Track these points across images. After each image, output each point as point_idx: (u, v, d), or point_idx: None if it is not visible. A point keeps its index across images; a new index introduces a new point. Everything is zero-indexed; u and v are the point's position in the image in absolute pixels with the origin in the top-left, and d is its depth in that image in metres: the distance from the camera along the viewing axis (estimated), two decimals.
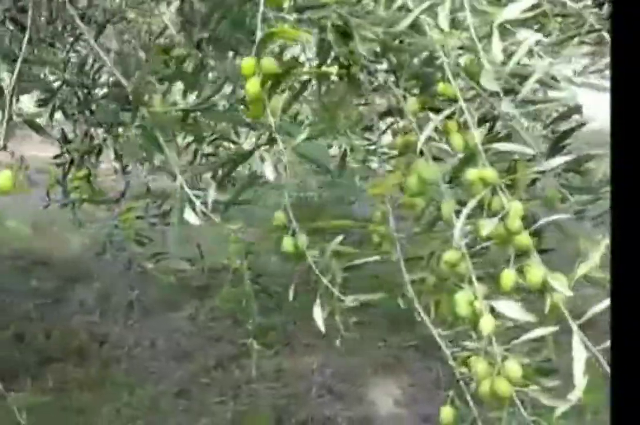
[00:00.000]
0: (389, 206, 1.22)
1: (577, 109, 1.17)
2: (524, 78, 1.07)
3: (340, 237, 1.17)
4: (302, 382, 4.20)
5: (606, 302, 0.99)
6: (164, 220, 3.16)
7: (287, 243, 1.25)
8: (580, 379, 0.97)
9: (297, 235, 1.24)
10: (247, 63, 1.02)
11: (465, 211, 1.02)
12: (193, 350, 4.52)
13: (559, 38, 1.14)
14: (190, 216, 1.06)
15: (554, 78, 1.11)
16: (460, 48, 1.05)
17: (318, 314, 1.14)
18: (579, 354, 0.98)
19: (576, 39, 1.13)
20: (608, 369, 0.99)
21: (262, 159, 1.02)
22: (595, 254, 1.00)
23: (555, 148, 1.15)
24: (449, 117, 1.09)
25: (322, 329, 1.12)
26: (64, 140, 1.97)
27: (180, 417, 3.90)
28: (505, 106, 1.04)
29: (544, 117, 1.18)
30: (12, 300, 4.89)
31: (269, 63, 1.01)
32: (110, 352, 4.49)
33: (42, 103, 1.66)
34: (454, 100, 1.06)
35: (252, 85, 1.02)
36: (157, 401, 3.99)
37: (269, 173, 1.04)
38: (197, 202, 1.04)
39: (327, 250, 1.17)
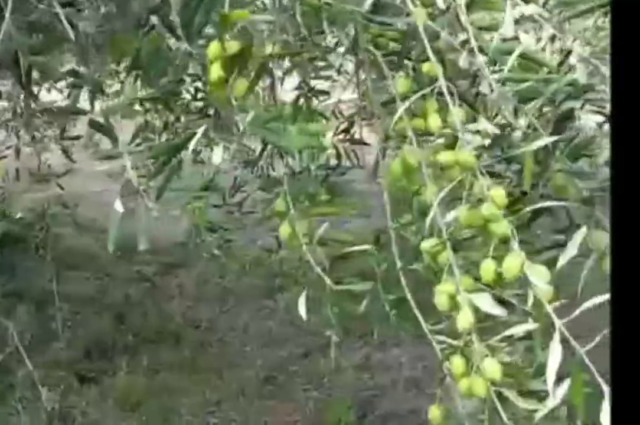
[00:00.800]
0: (386, 194, 1.16)
1: (589, 87, 1.07)
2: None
3: (326, 224, 1.12)
4: (388, 374, 4.15)
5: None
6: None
7: (284, 230, 1.22)
8: (552, 383, 0.88)
9: (295, 222, 1.21)
10: (211, 47, 1.00)
11: (439, 196, 0.95)
12: (284, 338, 4.55)
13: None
14: None
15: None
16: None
17: (302, 303, 1.10)
18: (555, 356, 0.89)
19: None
20: (595, 371, 0.91)
21: (212, 143, 0.99)
22: (573, 245, 0.91)
23: (560, 126, 1.06)
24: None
25: (304, 316, 1.09)
26: None
27: (264, 403, 3.95)
28: (485, 86, 0.96)
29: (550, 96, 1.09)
30: (115, 284, 5.09)
31: (233, 46, 0.98)
32: (204, 336, 4.60)
33: None
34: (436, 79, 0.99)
35: (215, 69, 0.99)
36: (244, 386, 4.05)
37: (217, 158, 1.01)
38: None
39: (315, 237, 1.13)
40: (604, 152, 1.01)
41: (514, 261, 0.93)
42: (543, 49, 1.10)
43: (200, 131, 0.95)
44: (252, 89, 0.97)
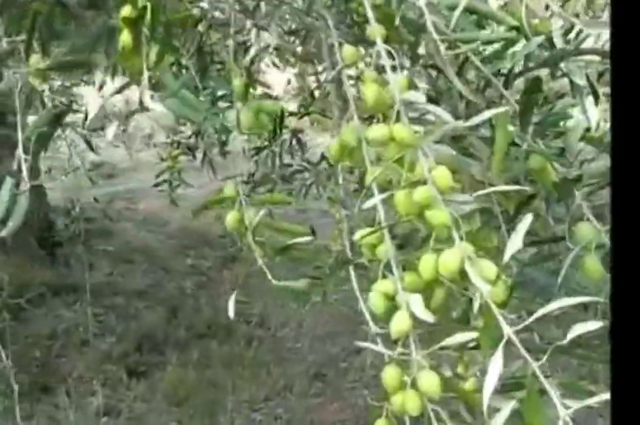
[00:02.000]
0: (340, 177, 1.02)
1: (565, 53, 0.91)
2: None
3: (263, 211, 1.00)
4: None
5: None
6: None
7: (233, 217, 1.10)
8: (487, 401, 0.73)
9: (245, 209, 1.09)
10: (124, 12, 0.88)
11: (370, 178, 0.81)
12: (338, 333, 4.43)
13: None
14: None
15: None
16: None
17: (232, 301, 0.98)
18: (494, 370, 0.74)
19: None
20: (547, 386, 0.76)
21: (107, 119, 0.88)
22: (517, 237, 0.76)
23: (527, 99, 0.90)
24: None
25: (231, 314, 0.97)
26: None
27: (311, 400, 3.84)
28: (432, 46, 0.81)
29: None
30: (170, 278, 5.07)
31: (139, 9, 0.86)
32: (256, 331, 4.53)
33: None
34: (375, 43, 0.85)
35: (125, 35, 0.88)
36: (292, 382, 3.96)
37: (110, 133, 0.89)
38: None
39: (252, 224, 1.00)
40: (578, 129, 0.85)
41: (452, 256, 0.78)
42: (505, 5, 0.93)
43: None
44: (161, 58, 0.85)
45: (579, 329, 0.73)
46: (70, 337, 4.36)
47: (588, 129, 0.97)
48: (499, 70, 0.98)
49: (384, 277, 0.86)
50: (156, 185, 2.59)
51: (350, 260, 0.95)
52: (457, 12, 0.79)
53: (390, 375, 0.85)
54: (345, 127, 0.89)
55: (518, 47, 0.92)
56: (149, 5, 0.86)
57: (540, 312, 0.78)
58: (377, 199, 0.80)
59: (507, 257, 0.77)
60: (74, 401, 3.80)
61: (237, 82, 1.09)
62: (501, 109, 0.84)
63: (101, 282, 4.85)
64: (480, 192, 0.82)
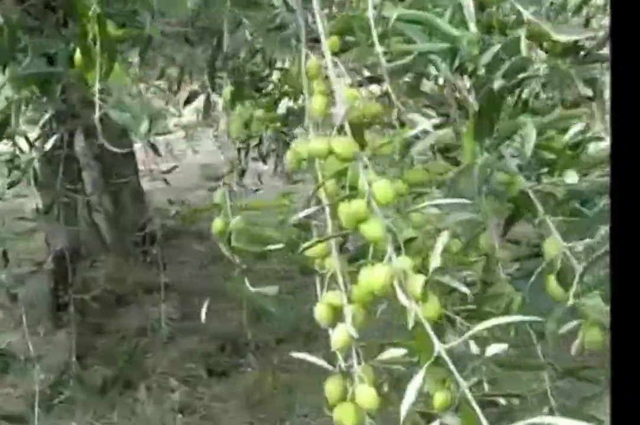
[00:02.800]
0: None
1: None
2: None
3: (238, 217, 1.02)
4: None
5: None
6: None
7: (217, 224, 1.13)
8: (403, 416, 0.72)
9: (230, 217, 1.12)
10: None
11: (311, 192, 0.82)
12: None
13: None
14: None
15: None
16: None
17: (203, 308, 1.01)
18: (412, 388, 0.73)
19: None
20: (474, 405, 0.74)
21: None
22: (440, 242, 0.75)
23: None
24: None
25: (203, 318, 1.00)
26: None
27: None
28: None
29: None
30: (256, 282, 5.15)
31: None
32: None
33: None
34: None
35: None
36: None
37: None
38: None
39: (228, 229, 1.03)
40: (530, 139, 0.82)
41: (380, 271, 0.77)
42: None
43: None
44: (107, 72, 0.88)
45: (494, 349, 0.71)
46: (157, 334, 4.50)
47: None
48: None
49: (333, 289, 0.87)
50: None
51: (315, 270, 0.96)
52: (391, 21, 0.79)
53: (331, 387, 0.85)
54: (299, 138, 0.90)
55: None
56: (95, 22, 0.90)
57: (475, 329, 0.77)
58: (311, 210, 0.80)
59: (434, 265, 0.76)
60: (153, 396, 3.93)
61: (226, 90, 1.12)
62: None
63: (192, 281, 4.98)
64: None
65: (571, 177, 0.84)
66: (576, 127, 0.84)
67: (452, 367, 0.75)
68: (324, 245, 0.86)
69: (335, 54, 0.83)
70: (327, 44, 0.84)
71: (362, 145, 0.86)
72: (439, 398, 0.78)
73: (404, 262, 0.79)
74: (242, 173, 2.71)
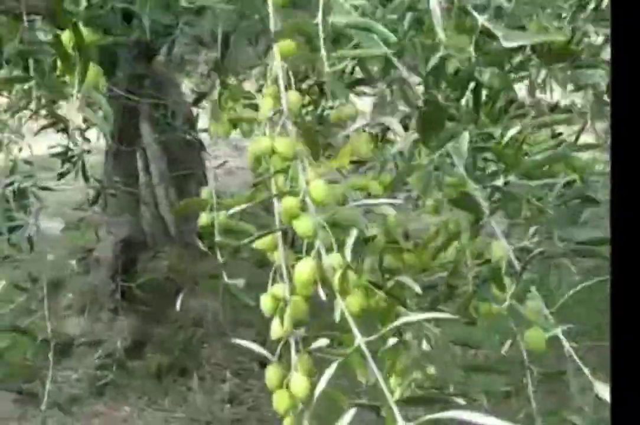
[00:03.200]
0: None
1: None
2: None
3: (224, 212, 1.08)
4: None
5: None
6: None
7: (203, 219, 1.19)
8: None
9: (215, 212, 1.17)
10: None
11: (253, 190, 0.86)
12: None
13: None
14: None
15: None
16: None
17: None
18: (324, 379, 0.77)
19: None
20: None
21: None
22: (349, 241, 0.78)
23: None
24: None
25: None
26: None
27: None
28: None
29: None
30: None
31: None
32: None
33: None
34: None
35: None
36: None
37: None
38: None
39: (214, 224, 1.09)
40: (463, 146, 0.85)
41: (303, 266, 0.82)
42: None
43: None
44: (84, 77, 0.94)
45: None
46: (214, 325, 4.61)
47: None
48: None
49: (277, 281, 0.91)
50: None
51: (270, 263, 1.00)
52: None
53: (270, 374, 0.89)
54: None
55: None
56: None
57: (395, 323, 0.80)
58: (243, 207, 0.85)
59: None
60: (205, 386, 4.05)
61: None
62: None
63: (251, 275, 5.08)
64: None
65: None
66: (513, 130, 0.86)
67: (370, 359, 0.78)
68: (272, 239, 0.90)
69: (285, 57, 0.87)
70: (279, 47, 0.88)
71: (315, 146, 0.90)
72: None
73: (334, 258, 0.82)
74: None
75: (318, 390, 0.75)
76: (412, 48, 0.85)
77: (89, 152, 2.61)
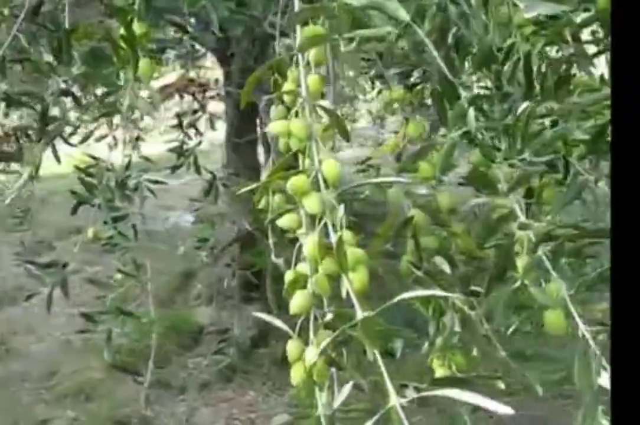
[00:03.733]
0: None
1: None
2: None
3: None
4: None
5: None
6: None
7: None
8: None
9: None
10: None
11: (266, 173, 0.90)
12: None
13: None
14: None
15: None
16: None
17: None
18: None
19: None
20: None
21: None
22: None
23: None
24: None
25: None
26: None
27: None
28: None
29: None
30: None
31: None
32: None
33: None
34: None
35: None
36: None
37: None
38: None
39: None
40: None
41: (310, 243, 0.85)
42: None
43: None
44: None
45: None
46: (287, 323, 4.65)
47: None
48: None
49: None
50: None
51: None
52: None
53: (291, 347, 0.93)
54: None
55: None
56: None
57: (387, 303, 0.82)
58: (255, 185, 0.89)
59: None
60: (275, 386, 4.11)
61: None
62: None
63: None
64: None
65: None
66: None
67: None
68: (296, 217, 0.93)
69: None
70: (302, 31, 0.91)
71: (343, 129, 0.92)
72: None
73: (346, 235, 0.85)
74: None
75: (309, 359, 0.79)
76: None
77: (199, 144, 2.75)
